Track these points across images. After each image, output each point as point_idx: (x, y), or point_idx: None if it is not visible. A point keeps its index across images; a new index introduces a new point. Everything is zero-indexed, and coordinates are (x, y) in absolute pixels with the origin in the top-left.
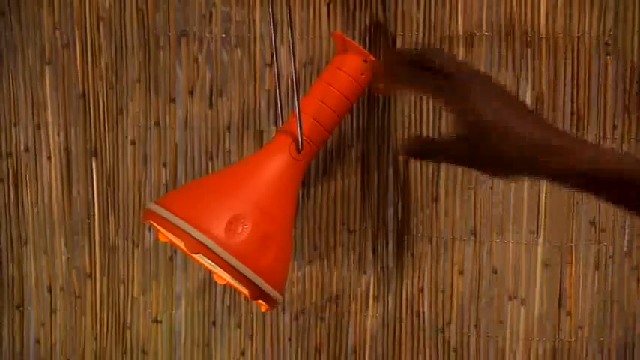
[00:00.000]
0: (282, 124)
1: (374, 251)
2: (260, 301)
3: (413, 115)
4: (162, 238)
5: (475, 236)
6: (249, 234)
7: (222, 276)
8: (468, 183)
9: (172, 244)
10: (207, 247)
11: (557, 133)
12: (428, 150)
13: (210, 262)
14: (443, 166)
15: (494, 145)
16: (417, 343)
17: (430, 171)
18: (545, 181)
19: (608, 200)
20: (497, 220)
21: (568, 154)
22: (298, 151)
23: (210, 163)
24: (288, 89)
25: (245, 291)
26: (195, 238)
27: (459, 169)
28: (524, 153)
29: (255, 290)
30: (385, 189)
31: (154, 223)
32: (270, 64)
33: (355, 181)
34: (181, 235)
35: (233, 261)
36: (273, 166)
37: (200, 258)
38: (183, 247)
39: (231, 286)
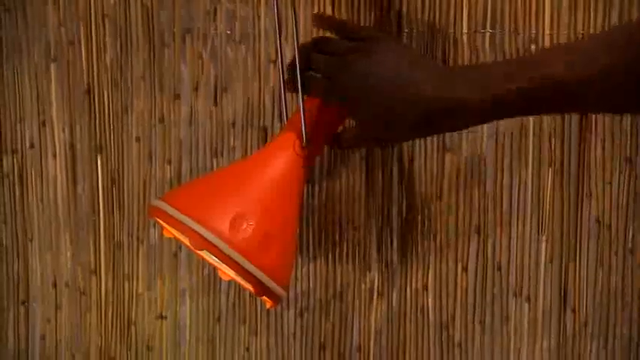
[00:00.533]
0: (287, 120)
1: (378, 248)
2: (265, 298)
3: None
4: (167, 234)
5: (479, 233)
6: (254, 231)
7: (227, 272)
8: (472, 180)
9: (177, 239)
10: (212, 244)
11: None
12: (348, 138)
13: (214, 258)
14: (447, 163)
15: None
16: (422, 340)
17: (434, 168)
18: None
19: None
20: (502, 216)
21: (470, 110)
22: (303, 148)
23: (214, 160)
24: None
25: (249, 287)
26: (200, 235)
27: (462, 166)
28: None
29: (260, 287)
30: (389, 186)
31: (159, 220)
32: (275, 61)
33: (360, 178)
34: (186, 232)
35: (238, 258)
36: (278, 163)
37: (205, 254)
38: (187, 243)
39: (235, 282)
